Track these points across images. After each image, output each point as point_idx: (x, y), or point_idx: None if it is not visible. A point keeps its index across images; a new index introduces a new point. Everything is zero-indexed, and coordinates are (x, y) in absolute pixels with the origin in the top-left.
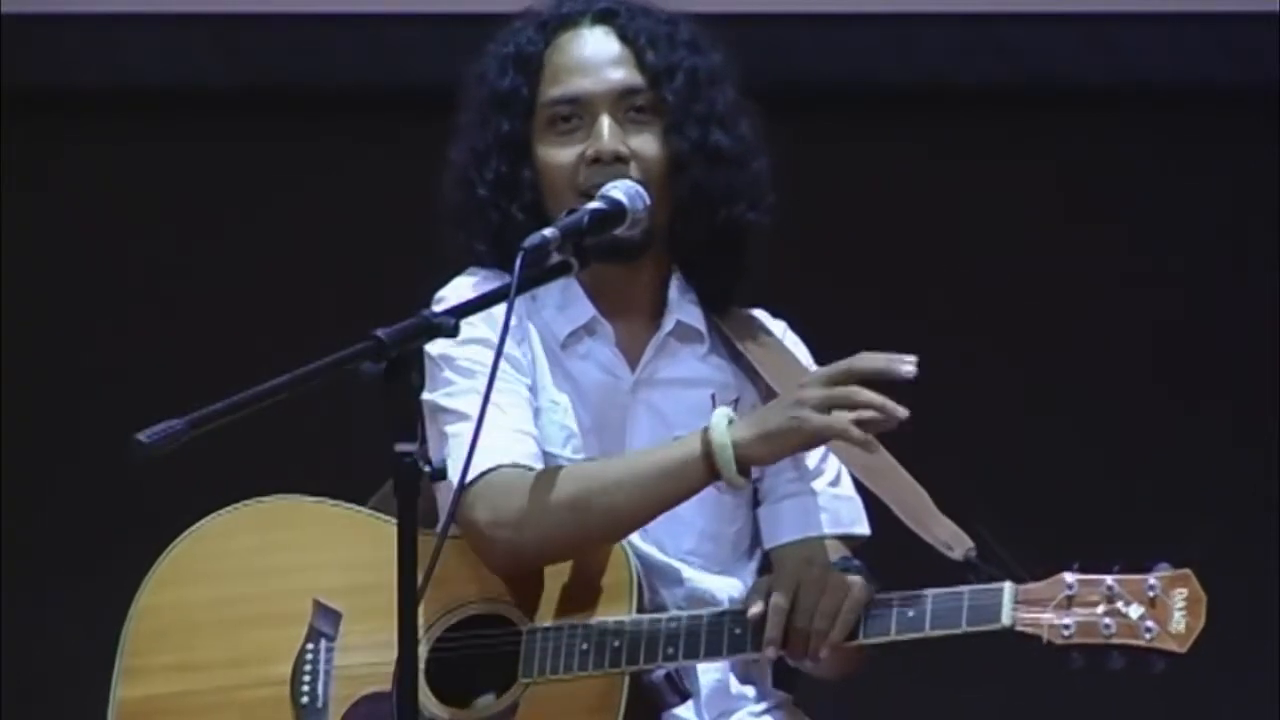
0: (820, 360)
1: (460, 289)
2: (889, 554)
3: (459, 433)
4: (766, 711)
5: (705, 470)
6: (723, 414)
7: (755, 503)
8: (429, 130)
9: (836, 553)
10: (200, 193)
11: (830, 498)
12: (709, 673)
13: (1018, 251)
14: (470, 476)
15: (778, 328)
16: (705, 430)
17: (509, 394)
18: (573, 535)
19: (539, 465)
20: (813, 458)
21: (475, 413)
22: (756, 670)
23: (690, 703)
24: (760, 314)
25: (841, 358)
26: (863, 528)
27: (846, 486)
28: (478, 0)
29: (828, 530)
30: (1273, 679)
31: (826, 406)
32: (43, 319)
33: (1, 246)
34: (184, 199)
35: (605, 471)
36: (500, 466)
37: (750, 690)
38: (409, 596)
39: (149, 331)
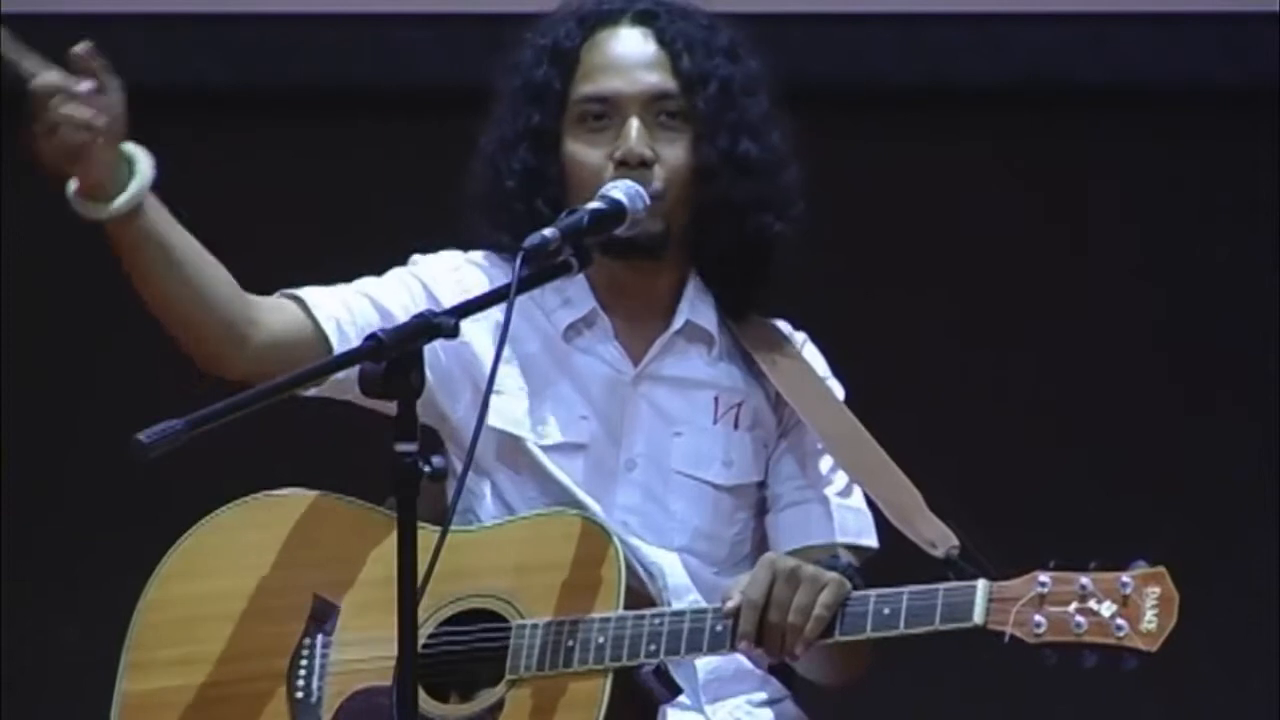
0: (837, 371)
1: (453, 267)
2: (899, 551)
3: (359, 287)
4: (763, 704)
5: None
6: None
7: (763, 510)
8: (430, 130)
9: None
10: (200, 193)
11: (838, 507)
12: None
13: (1017, 251)
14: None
15: (797, 339)
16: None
17: (380, 284)
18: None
19: (323, 312)
20: (823, 466)
21: (377, 290)
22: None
23: (687, 686)
24: (782, 324)
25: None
26: (870, 539)
27: (856, 499)
28: (479, 0)
29: (834, 539)
30: (1273, 679)
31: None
32: (43, 319)
33: (1, 246)
34: (183, 199)
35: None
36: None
37: (755, 672)
38: (409, 595)
39: (149, 331)
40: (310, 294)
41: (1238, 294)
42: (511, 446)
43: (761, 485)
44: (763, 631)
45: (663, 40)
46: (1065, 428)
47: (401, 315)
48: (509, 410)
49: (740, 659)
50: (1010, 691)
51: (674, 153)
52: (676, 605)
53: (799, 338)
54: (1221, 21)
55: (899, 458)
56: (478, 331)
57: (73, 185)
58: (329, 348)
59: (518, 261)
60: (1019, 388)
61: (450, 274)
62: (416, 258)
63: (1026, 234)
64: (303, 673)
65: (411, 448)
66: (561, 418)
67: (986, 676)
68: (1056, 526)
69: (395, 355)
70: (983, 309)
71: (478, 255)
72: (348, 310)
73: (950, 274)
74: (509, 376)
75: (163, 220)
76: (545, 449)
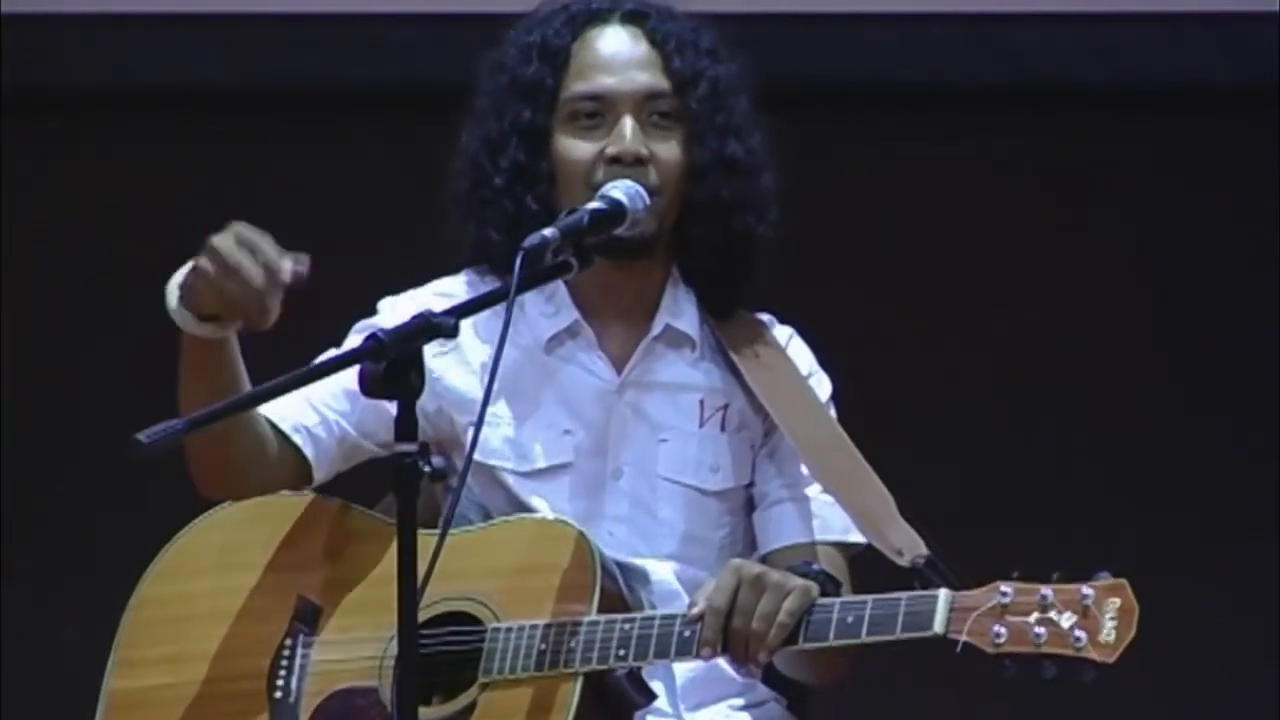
0: (826, 366)
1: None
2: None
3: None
4: (744, 709)
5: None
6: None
7: (751, 509)
8: (430, 130)
9: (830, 561)
10: (200, 193)
11: (821, 504)
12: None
13: (1017, 251)
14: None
15: (782, 334)
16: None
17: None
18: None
19: (289, 424)
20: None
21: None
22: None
23: (665, 691)
24: (767, 319)
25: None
26: (857, 536)
27: None
28: (479, 0)
29: (819, 537)
30: (1273, 680)
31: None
32: (43, 319)
33: (1, 246)
34: (184, 199)
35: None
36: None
37: (736, 677)
38: (409, 594)
39: (149, 331)
40: (272, 408)
41: (1238, 294)
42: (491, 475)
43: (749, 486)
44: (727, 638)
45: (654, 40)
46: (1065, 427)
47: None
48: (487, 441)
49: (721, 663)
50: (1004, 693)
51: (667, 152)
52: (652, 611)
53: (784, 333)
54: (1221, 21)
55: (895, 459)
56: (449, 365)
57: (175, 298)
58: (303, 457)
59: (518, 261)
60: (1018, 387)
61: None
62: (382, 304)
63: (1026, 234)
64: (283, 673)
65: (411, 448)
66: (545, 440)
67: (981, 678)
68: (1055, 527)
69: (395, 355)
70: (982, 309)
71: (455, 282)
72: (311, 410)
73: (949, 274)
74: (491, 404)
75: (236, 351)
76: (528, 475)
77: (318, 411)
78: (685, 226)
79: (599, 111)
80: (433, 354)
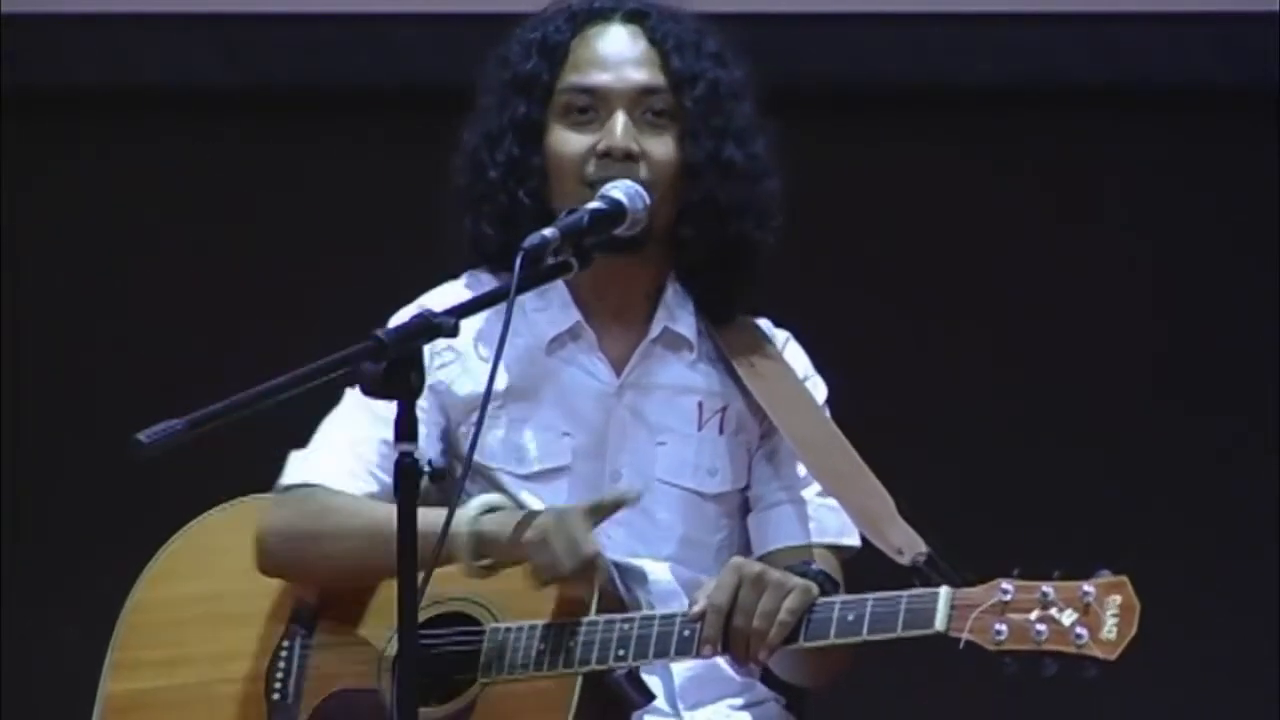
0: (820, 367)
1: (442, 296)
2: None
3: (325, 430)
4: (743, 708)
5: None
6: (481, 503)
7: (745, 511)
8: (429, 130)
9: (825, 563)
10: (200, 193)
11: (817, 507)
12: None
13: (1017, 251)
14: (292, 482)
15: (779, 338)
16: (451, 514)
17: (377, 424)
18: (304, 566)
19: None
20: (803, 467)
21: (348, 420)
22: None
23: (663, 690)
24: (763, 323)
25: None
26: (852, 538)
27: None
28: (479, 0)
29: (814, 539)
30: (1273, 680)
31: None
32: (43, 319)
33: (1, 246)
34: (184, 199)
35: (358, 518)
36: (316, 485)
37: (735, 676)
38: (409, 596)
39: (149, 331)
40: (323, 475)
41: (1238, 294)
42: (488, 478)
43: (745, 489)
44: (728, 636)
45: (653, 39)
46: (1065, 427)
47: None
48: (483, 443)
49: (720, 663)
50: (1004, 693)
51: (660, 150)
52: (651, 611)
53: (780, 336)
54: (1221, 21)
55: (895, 459)
56: (454, 374)
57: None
58: None
59: (518, 261)
60: (1019, 388)
61: None
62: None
63: (1025, 234)
64: (280, 675)
65: (411, 448)
66: (541, 441)
67: (981, 678)
68: (1055, 526)
69: (395, 355)
70: (981, 309)
71: (455, 287)
72: (351, 464)
73: (949, 274)
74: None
75: None
76: (525, 477)
77: (358, 461)
78: (681, 227)
79: (592, 106)
80: (436, 366)
